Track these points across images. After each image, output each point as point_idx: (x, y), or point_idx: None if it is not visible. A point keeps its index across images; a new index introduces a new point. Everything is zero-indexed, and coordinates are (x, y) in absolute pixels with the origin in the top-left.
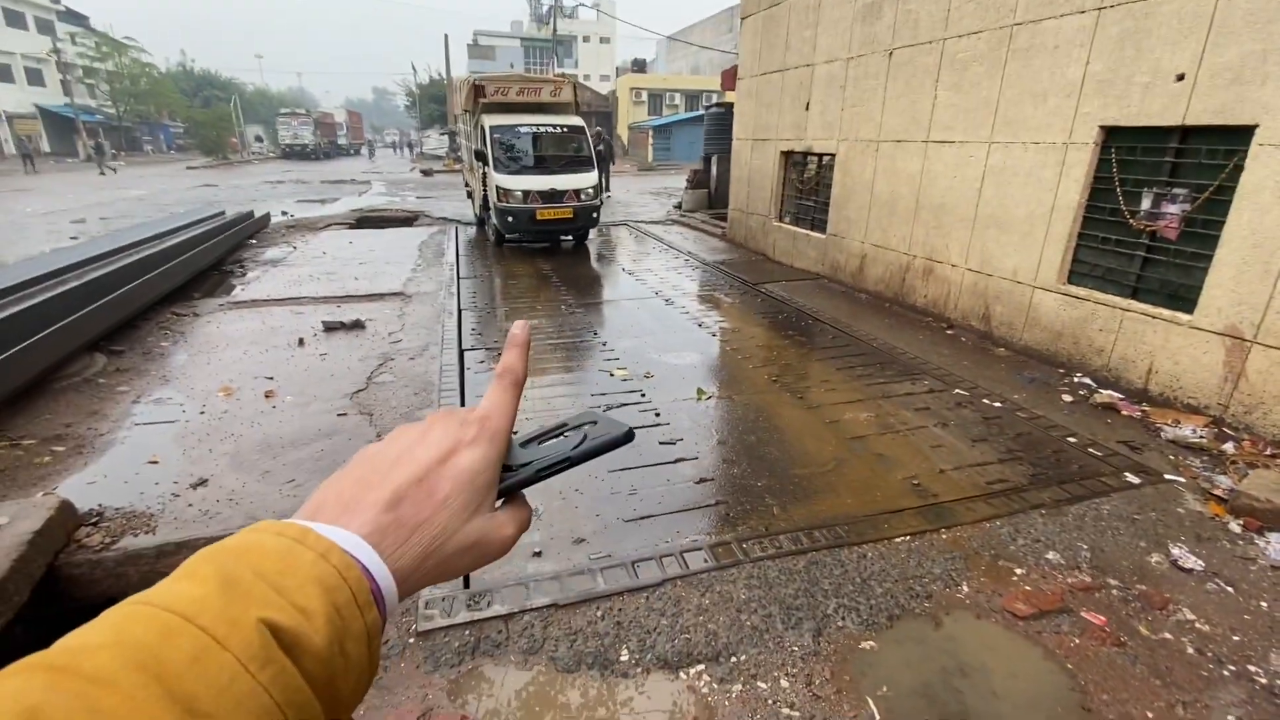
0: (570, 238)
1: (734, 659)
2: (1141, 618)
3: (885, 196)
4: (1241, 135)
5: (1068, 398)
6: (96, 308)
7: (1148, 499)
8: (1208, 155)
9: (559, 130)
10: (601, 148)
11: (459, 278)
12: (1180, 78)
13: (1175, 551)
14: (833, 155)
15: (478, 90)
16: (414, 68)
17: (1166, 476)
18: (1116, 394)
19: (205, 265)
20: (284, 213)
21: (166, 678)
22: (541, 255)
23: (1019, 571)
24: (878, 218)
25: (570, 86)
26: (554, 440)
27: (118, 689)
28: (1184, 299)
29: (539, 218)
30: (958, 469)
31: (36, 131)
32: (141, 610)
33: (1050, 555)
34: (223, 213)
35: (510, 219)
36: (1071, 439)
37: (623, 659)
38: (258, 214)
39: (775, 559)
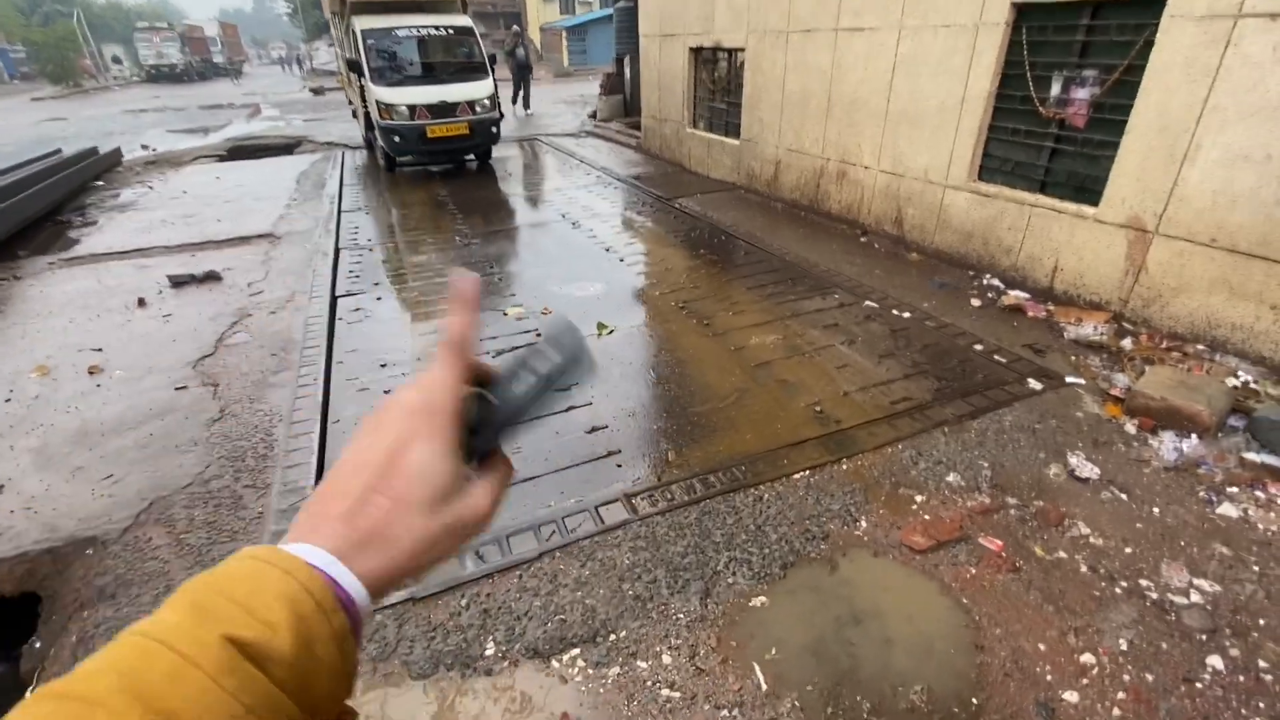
0: (472, 157)
1: (613, 637)
2: (1037, 537)
3: (797, 95)
4: (1153, 7)
5: (976, 302)
6: None
7: (1048, 405)
8: (1118, 31)
9: (444, 32)
10: (521, 52)
11: (340, 211)
12: None
13: (1073, 461)
14: (742, 50)
15: None
16: None
17: (1067, 379)
18: (1023, 294)
19: (33, 215)
20: (144, 146)
21: (147, 696)
22: (439, 179)
23: (919, 499)
24: (790, 119)
25: None
26: (527, 372)
27: (107, 708)
28: (1090, 191)
29: (430, 135)
30: (862, 390)
31: None
32: (130, 639)
33: (950, 478)
34: (58, 150)
35: (397, 139)
36: (978, 346)
37: (488, 653)
38: (108, 150)
39: (666, 513)
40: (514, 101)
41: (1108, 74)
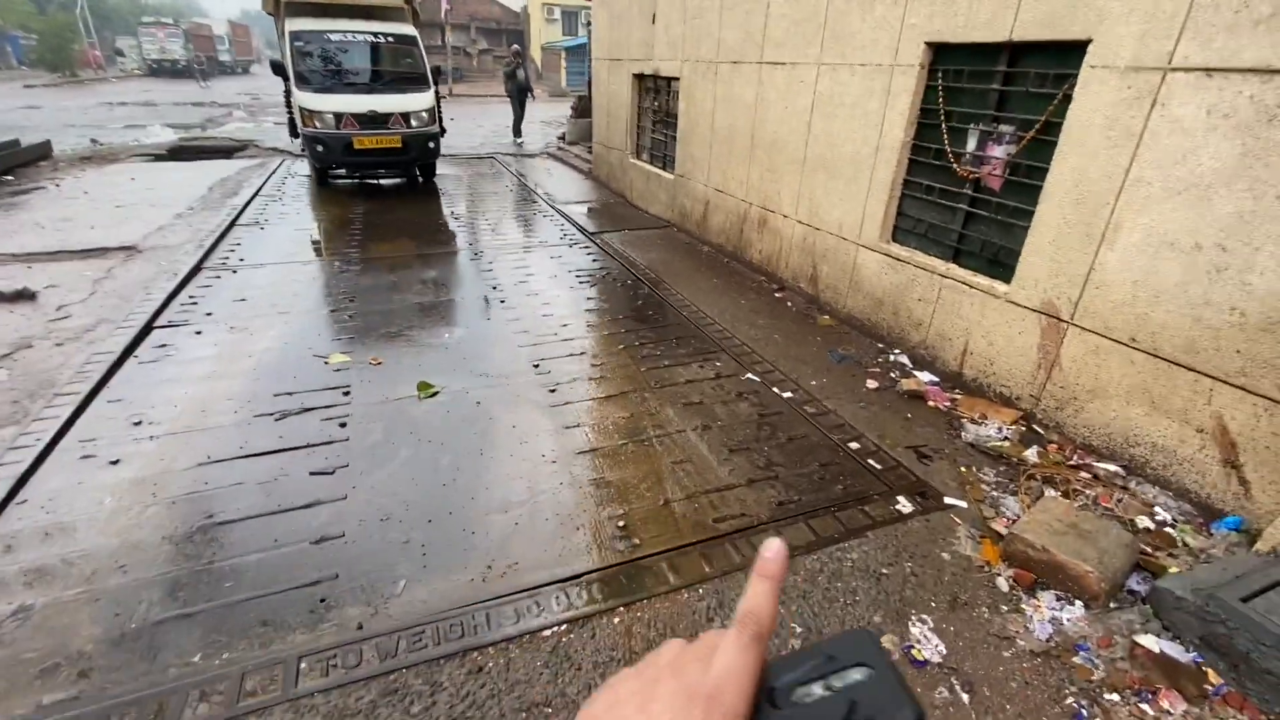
0: (417, 173)
1: None
2: None
3: (725, 131)
4: (1074, 55)
5: (873, 383)
6: None
7: (911, 539)
8: (1036, 81)
9: (383, 40)
10: (522, 74)
11: (232, 224)
12: None
13: (915, 630)
14: (678, 80)
15: None
16: None
17: (947, 500)
18: (930, 378)
19: None
20: (93, 140)
21: None
22: (366, 194)
23: None
24: (719, 157)
25: None
26: (814, 694)
27: None
28: (1004, 265)
29: (356, 147)
30: (689, 498)
31: None
32: None
33: None
34: None
35: (320, 148)
36: (854, 444)
37: None
38: (35, 142)
39: (336, 689)
40: (516, 132)
41: (1025, 130)
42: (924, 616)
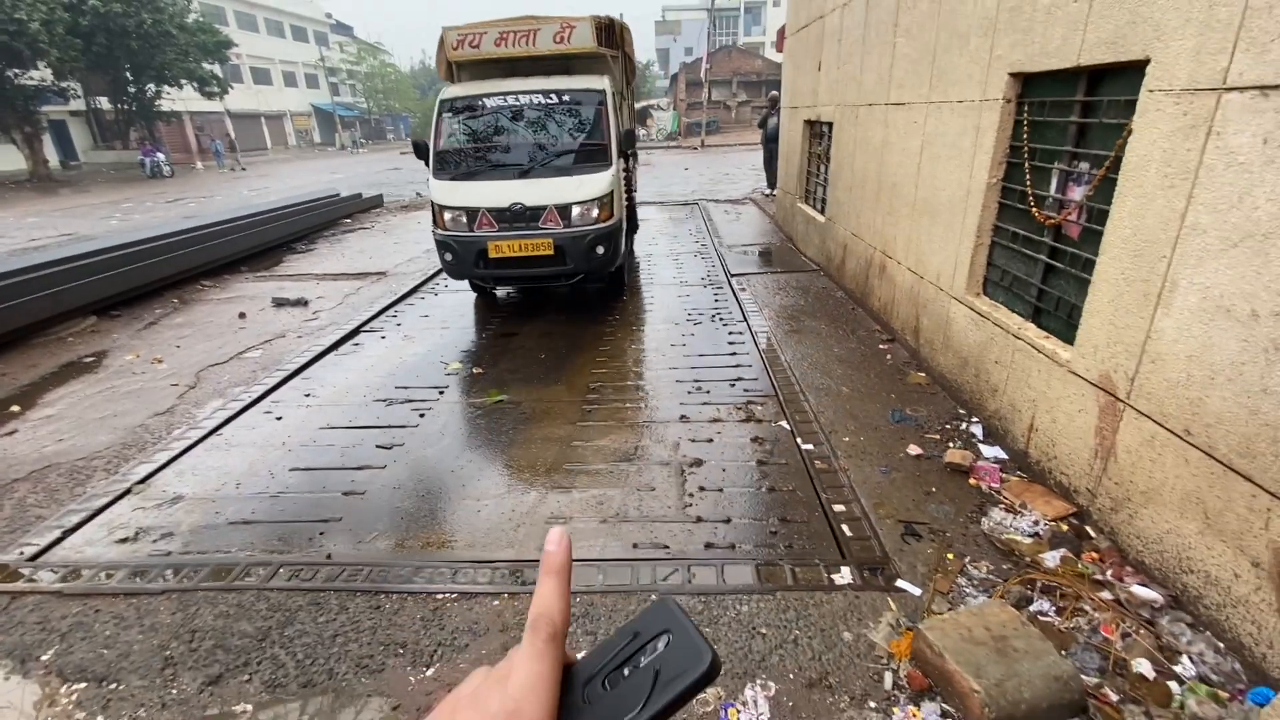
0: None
1: (115, 686)
2: None
3: (860, 174)
4: (1136, 78)
5: (916, 450)
6: (96, 279)
7: (820, 610)
8: (1108, 110)
9: (556, 102)
10: (774, 120)
11: None
12: None
13: (749, 693)
14: (832, 124)
15: (441, 47)
16: None
17: (899, 584)
18: (998, 454)
19: (270, 241)
20: (418, 194)
21: None
22: None
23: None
24: (855, 200)
25: (590, 26)
26: (623, 678)
27: None
28: (1074, 327)
29: (492, 255)
30: (627, 521)
31: (310, 126)
32: None
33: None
34: (337, 194)
35: (448, 256)
36: (839, 506)
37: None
38: (372, 195)
39: (289, 591)
40: (770, 185)
41: (1099, 168)
42: (770, 684)
